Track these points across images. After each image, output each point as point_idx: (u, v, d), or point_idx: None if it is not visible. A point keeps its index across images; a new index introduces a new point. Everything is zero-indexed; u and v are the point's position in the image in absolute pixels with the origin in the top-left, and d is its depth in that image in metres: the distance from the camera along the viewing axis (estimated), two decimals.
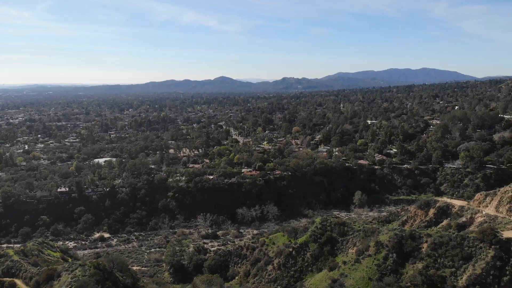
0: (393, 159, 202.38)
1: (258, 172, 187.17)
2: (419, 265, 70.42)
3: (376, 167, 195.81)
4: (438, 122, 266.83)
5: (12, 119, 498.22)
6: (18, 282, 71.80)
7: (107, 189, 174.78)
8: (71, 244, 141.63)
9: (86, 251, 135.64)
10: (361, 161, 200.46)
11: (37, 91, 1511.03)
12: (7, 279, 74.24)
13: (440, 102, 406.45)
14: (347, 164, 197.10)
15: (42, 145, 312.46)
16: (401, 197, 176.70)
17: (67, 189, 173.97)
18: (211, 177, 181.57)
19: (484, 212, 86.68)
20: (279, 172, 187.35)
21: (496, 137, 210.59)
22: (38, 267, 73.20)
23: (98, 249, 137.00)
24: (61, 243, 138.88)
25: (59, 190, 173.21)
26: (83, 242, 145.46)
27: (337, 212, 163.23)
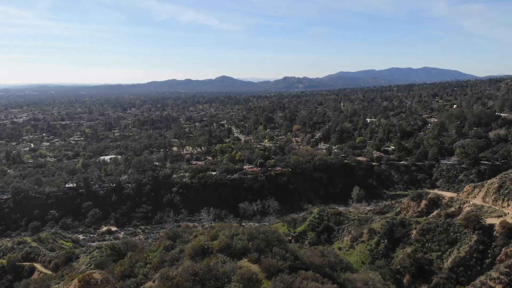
0: (391, 156, 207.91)
1: (259, 168, 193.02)
2: (408, 250, 76.13)
3: (374, 163, 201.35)
4: (435, 120, 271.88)
5: (16, 118, 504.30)
6: (38, 265, 77.45)
7: (114, 185, 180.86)
8: (80, 237, 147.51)
9: (94, 244, 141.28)
10: (360, 158, 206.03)
11: (39, 90, 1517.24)
12: (27, 263, 79.93)
13: (439, 101, 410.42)
14: (346, 161, 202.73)
15: (48, 144, 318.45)
16: (398, 192, 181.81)
17: (75, 185, 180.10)
18: (214, 173, 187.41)
19: (471, 202, 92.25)
20: (280, 168, 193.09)
21: (491, 134, 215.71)
22: (56, 252, 78.95)
23: (106, 242, 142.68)
24: (70, 236, 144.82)
25: (67, 186, 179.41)
26: (91, 235, 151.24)
27: (336, 207, 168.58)
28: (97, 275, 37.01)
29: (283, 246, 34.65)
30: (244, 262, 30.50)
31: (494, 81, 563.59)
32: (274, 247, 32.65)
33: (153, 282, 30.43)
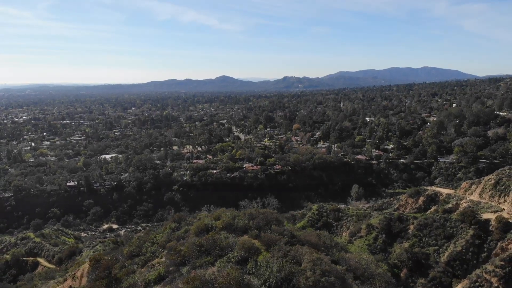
0: (390, 154, 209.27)
1: (259, 167, 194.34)
2: (406, 244, 77.29)
3: (373, 162, 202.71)
4: (435, 119, 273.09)
5: (16, 118, 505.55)
6: (41, 260, 78.77)
7: (115, 183, 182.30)
8: (81, 234, 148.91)
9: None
10: (359, 156, 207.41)
11: (39, 90, 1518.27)
12: (30, 258, 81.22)
13: (439, 100, 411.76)
14: (345, 159, 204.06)
15: (49, 143, 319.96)
16: (397, 190, 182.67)
17: (76, 183, 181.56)
18: (214, 171, 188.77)
19: (468, 199, 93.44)
20: (280, 166, 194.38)
21: (490, 133, 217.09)
22: (59, 247, 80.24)
23: (107, 239, 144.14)
24: (72, 233, 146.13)
25: (68, 184, 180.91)
26: (93, 233, 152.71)
27: (335, 204, 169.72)
28: (106, 257, 38.47)
29: (281, 225, 36.60)
30: (245, 238, 32.33)
31: (494, 81, 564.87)
32: (272, 225, 34.68)
33: (161, 258, 31.98)
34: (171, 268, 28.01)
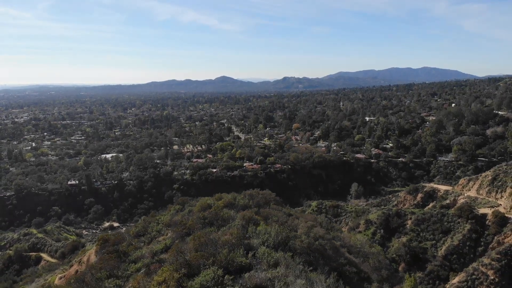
0: (389, 153, 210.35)
1: (259, 165, 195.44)
2: (404, 239, 78.51)
3: (373, 160, 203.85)
4: (434, 118, 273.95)
5: (17, 118, 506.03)
6: (44, 255, 79.85)
7: (115, 182, 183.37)
8: (83, 232, 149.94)
9: None
10: (358, 155, 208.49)
11: (39, 91, 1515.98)
12: (33, 253, 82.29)
13: (438, 100, 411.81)
14: (344, 158, 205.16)
15: (49, 143, 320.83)
16: (396, 189, 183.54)
17: (77, 182, 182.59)
18: (215, 170, 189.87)
19: (466, 195, 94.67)
20: (279, 165, 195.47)
21: (489, 131, 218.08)
22: (62, 242, 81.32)
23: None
24: (74, 230, 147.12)
25: (69, 183, 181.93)
26: (94, 231, 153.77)
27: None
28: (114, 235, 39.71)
29: (280, 205, 38.04)
30: (245, 212, 33.70)
31: (493, 81, 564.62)
32: (271, 204, 36.32)
33: (166, 235, 33.28)
34: (177, 241, 29.38)
